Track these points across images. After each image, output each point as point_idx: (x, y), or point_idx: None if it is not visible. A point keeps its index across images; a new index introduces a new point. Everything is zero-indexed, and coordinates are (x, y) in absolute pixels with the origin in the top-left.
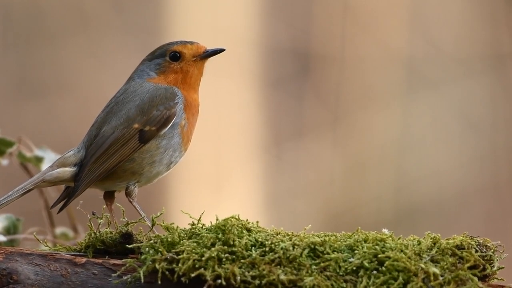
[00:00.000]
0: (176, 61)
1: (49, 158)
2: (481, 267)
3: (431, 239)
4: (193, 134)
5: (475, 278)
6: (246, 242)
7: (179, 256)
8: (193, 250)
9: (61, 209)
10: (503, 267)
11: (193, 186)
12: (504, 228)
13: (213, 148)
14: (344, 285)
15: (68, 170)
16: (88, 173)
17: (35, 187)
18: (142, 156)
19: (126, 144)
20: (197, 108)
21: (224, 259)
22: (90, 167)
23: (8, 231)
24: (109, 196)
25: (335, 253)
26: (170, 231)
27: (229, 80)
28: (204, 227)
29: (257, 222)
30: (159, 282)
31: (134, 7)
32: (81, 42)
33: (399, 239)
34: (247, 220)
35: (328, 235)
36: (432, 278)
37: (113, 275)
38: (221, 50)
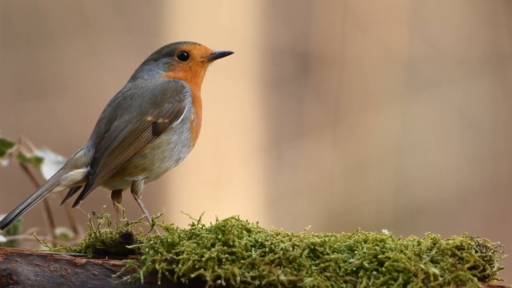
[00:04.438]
0: (184, 61)
1: (49, 158)
2: (481, 267)
3: (431, 239)
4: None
5: (475, 279)
6: (246, 243)
7: (179, 257)
8: (193, 251)
9: (75, 203)
10: (503, 268)
11: (193, 186)
12: (504, 228)
13: (213, 149)
14: (344, 285)
15: (82, 171)
16: (103, 166)
17: (51, 192)
18: (153, 152)
19: (140, 137)
20: (201, 104)
21: (224, 260)
22: (105, 160)
23: (8, 231)
24: (116, 196)
25: (335, 253)
26: (170, 231)
27: (229, 81)
28: (204, 228)
29: (257, 222)
30: (159, 282)
31: (134, 8)
32: (81, 43)
33: (399, 239)
34: (247, 220)
35: (328, 236)
36: (432, 278)
37: (113, 275)
38: (229, 53)
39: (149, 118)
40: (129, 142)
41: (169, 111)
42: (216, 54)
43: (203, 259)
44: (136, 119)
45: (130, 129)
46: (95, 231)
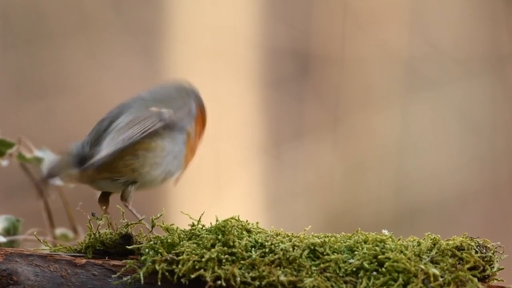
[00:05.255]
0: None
1: (49, 159)
2: (481, 268)
3: (431, 240)
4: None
5: (475, 279)
6: (246, 243)
7: (179, 257)
8: (193, 251)
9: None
10: (503, 268)
11: (193, 186)
12: (504, 229)
13: (212, 149)
14: (344, 286)
15: (71, 162)
16: (110, 141)
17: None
18: (146, 155)
19: (146, 120)
20: (200, 136)
21: (224, 260)
22: (113, 135)
23: (8, 232)
24: (104, 200)
25: (335, 254)
26: (170, 232)
27: (229, 81)
28: (204, 228)
29: (257, 223)
30: (159, 283)
31: (134, 8)
32: (81, 43)
33: (399, 240)
34: (247, 221)
35: (328, 236)
36: (432, 279)
37: (113, 276)
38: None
39: (155, 109)
40: (137, 122)
41: (178, 106)
42: None
43: (203, 259)
44: (143, 107)
45: (136, 114)
46: (94, 232)
